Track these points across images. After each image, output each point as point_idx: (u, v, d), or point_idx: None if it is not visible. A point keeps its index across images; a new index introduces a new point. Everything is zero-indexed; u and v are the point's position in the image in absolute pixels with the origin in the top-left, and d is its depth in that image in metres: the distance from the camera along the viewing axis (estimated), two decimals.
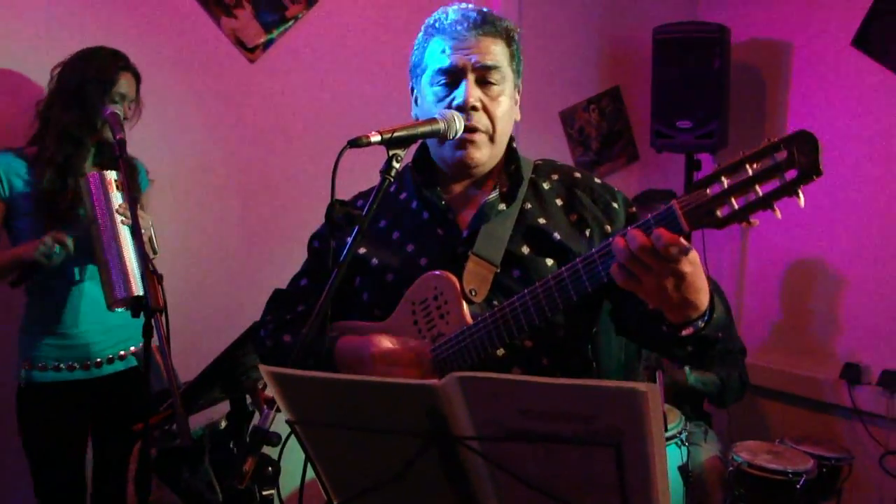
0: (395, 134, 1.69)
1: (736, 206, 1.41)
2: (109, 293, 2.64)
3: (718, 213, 1.42)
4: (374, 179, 1.72)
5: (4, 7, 3.15)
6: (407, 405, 1.34)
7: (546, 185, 1.92)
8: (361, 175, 1.98)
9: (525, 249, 1.83)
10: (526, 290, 1.66)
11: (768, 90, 4.31)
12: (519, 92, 1.94)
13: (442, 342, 1.78)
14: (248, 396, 2.72)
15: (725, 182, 1.41)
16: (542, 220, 1.85)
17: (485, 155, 1.85)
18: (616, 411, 1.22)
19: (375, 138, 1.67)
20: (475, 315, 1.75)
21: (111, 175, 2.64)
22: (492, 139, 1.84)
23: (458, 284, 1.77)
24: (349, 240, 1.68)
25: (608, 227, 1.86)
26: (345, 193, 1.86)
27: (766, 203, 1.39)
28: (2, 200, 2.85)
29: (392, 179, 1.69)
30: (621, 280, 1.50)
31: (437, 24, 1.89)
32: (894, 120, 3.77)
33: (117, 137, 2.36)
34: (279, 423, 1.53)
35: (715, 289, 1.83)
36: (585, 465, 1.29)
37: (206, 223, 3.55)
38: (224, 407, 2.85)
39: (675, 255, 1.44)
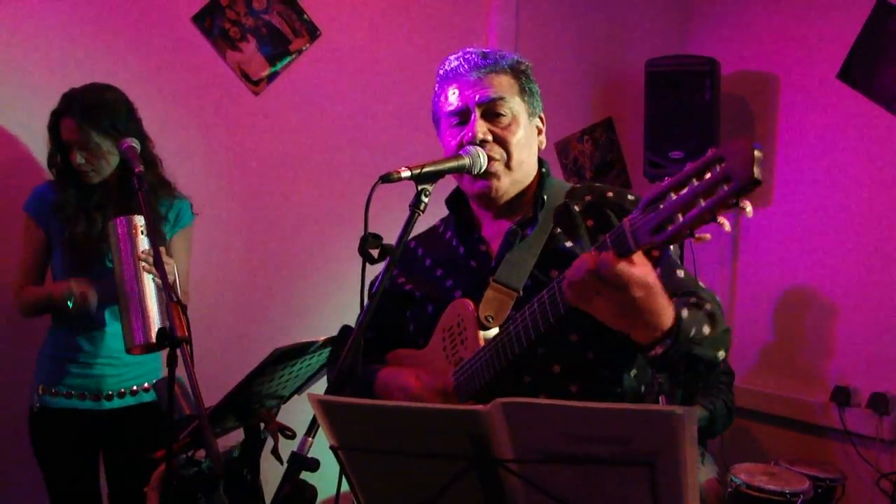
0: (425, 169, 1.77)
1: (681, 221, 1.38)
2: (129, 338, 2.66)
3: (669, 228, 1.40)
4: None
5: (22, 37, 3.22)
6: (450, 430, 1.39)
7: (577, 208, 1.94)
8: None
9: (554, 274, 1.85)
10: (525, 309, 1.70)
11: (757, 121, 4.42)
12: (542, 121, 2.02)
13: (460, 367, 1.86)
14: (262, 424, 2.75)
15: (673, 197, 1.39)
16: (568, 244, 1.89)
17: (504, 184, 1.92)
18: (653, 433, 1.28)
19: (405, 174, 1.74)
20: (488, 339, 1.82)
21: (139, 220, 2.66)
22: (508, 167, 1.91)
23: (471, 310, 1.85)
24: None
25: None
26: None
27: (709, 216, 1.35)
28: (43, 232, 2.94)
29: (421, 212, 1.77)
30: (572, 299, 1.55)
31: (444, 72, 1.99)
32: (879, 150, 3.88)
33: (136, 171, 2.36)
34: (315, 449, 1.59)
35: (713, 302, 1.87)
36: (620, 487, 1.34)
37: (210, 255, 3.58)
38: (236, 436, 2.89)
39: (615, 280, 1.47)
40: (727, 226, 1.35)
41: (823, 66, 4.08)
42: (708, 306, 1.76)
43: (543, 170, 2.02)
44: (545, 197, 1.96)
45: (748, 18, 4.47)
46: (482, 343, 1.82)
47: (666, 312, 1.57)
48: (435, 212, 2.02)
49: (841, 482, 3.52)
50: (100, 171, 2.90)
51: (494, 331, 1.83)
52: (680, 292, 1.80)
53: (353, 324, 2.18)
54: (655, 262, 1.80)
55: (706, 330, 1.68)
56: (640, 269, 1.50)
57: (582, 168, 4.48)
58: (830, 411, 3.96)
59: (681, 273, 1.88)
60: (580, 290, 1.52)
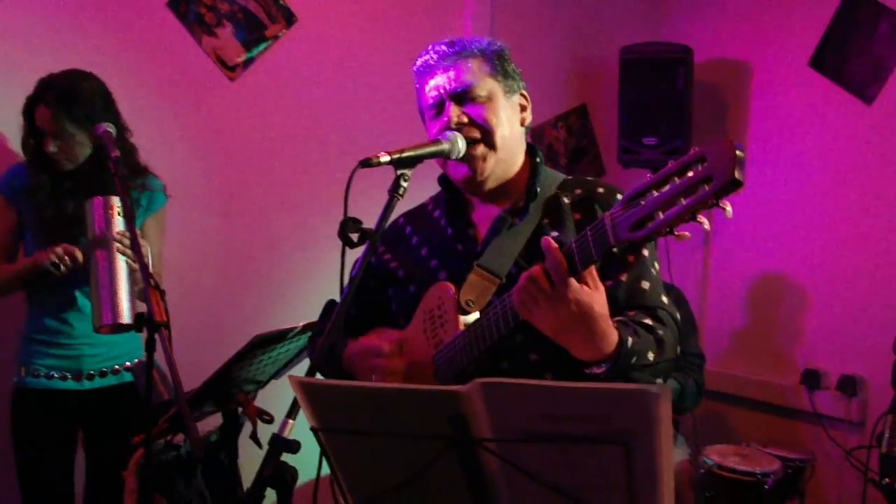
0: (404, 154, 1.78)
1: (661, 218, 1.40)
2: (97, 317, 2.66)
3: (649, 225, 1.42)
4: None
5: None
6: (430, 411, 1.41)
7: (567, 200, 1.97)
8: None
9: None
10: (504, 297, 1.72)
11: (730, 108, 4.45)
12: (526, 98, 2.05)
13: (440, 349, 1.88)
14: (240, 409, 2.77)
15: (654, 194, 1.41)
16: (554, 234, 1.89)
17: (490, 164, 1.93)
18: (629, 412, 1.30)
19: (385, 159, 1.76)
20: (467, 324, 1.84)
21: (116, 201, 2.66)
22: (491, 145, 1.92)
23: (453, 295, 1.87)
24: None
25: None
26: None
27: (689, 215, 1.38)
28: (15, 212, 2.94)
29: (400, 197, 1.78)
30: (517, 306, 1.62)
31: (416, 70, 2.02)
32: (849, 138, 3.93)
33: (112, 156, 2.36)
34: (295, 431, 1.60)
35: (677, 300, 1.92)
36: (597, 465, 1.37)
37: (188, 241, 3.57)
38: (214, 420, 2.90)
39: (551, 293, 1.55)
40: (706, 224, 1.38)
41: (795, 53, 4.12)
42: (660, 332, 1.79)
43: (538, 159, 2.03)
44: (538, 189, 1.97)
45: (721, 6, 4.50)
46: (461, 327, 1.84)
47: (607, 337, 1.63)
48: (415, 196, 2.05)
49: (811, 462, 3.59)
50: (72, 159, 2.90)
51: (474, 315, 1.85)
52: (640, 306, 1.85)
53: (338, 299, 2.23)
54: (626, 267, 1.85)
55: (650, 356, 1.74)
56: (586, 291, 1.57)
57: (556, 154, 4.50)
58: (800, 394, 4.02)
59: (646, 284, 1.89)
60: (521, 298, 1.59)
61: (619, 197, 1.93)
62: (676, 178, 1.37)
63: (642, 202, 1.43)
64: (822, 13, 4.00)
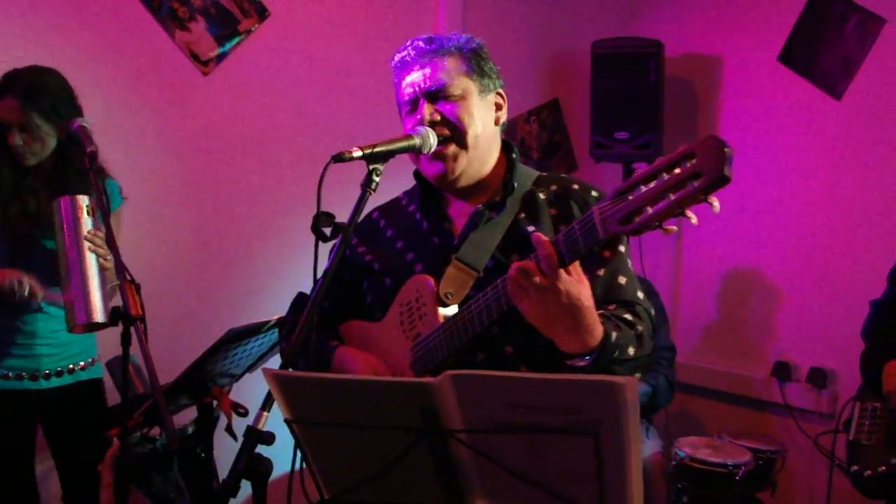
0: (376, 149, 1.79)
1: (650, 212, 1.44)
2: (71, 317, 2.59)
3: (637, 219, 1.46)
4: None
5: None
6: (402, 403, 1.44)
7: (542, 196, 1.99)
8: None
9: (514, 257, 1.87)
10: (488, 290, 1.74)
11: (701, 103, 4.49)
12: (502, 97, 2.05)
13: (418, 342, 1.90)
14: (214, 402, 2.78)
15: (643, 189, 1.45)
16: (530, 229, 1.92)
17: (461, 164, 1.94)
18: (597, 402, 1.33)
19: (357, 153, 1.77)
20: (446, 317, 1.85)
21: (83, 200, 2.62)
22: (463, 144, 1.93)
23: (432, 287, 1.88)
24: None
25: None
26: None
27: (677, 209, 1.41)
28: None
29: (372, 191, 1.79)
30: (513, 296, 1.64)
31: (394, 65, 2.03)
32: (819, 132, 3.97)
33: (87, 150, 2.34)
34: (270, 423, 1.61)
35: (647, 291, 1.95)
36: (567, 455, 1.39)
37: (160, 235, 3.57)
38: (189, 414, 2.91)
39: (541, 283, 1.57)
40: (694, 219, 1.41)
41: (765, 49, 4.15)
42: (640, 327, 1.82)
43: (514, 155, 2.05)
44: (515, 184, 1.99)
45: (692, 1, 4.53)
46: (441, 320, 1.85)
47: (593, 331, 1.66)
48: (389, 191, 2.06)
49: (781, 454, 3.62)
50: (37, 153, 2.86)
51: (453, 308, 1.87)
52: (617, 301, 1.88)
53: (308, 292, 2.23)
54: (602, 262, 1.87)
55: (631, 351, 1.77)
56: (575, 283, 1.59)
57: (528, 149, 4.53)
58: (771, 386, 4.07)
59: (623, 279, 1.92)
60: (512, 287, 1.61)
61: (594, 194, 1.99)
62: (665, 174, 1.41)
63: (630, 197, 1.46)
64: (792, 8, 4.04)
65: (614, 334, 1.71)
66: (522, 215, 1.96)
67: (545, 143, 4.60)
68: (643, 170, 1.46)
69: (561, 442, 1.39)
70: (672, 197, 1.40)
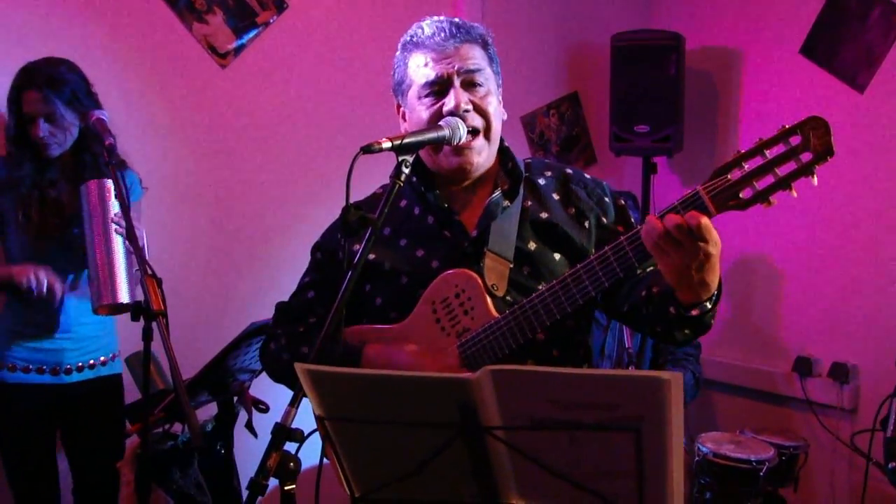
0: (405, 141, 1.74)
1: (758, 188, 1.56)
2: (96, 298, 2.64)
3: (742, 195, 1.58)
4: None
5: None
6: (438, 399, 1.40)
7: (542, 181, 1.99)
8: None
9: (532, 245, 1.91)
10: (555, 281, 1.75)
11: (721, 96, 4.44)
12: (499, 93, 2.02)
13: (469, 337, 1.85)
14: (235, 398, 2.76)
15: (746, 167, 1.56)
16: (544, 215, 1.93)
17: (483, 157, 1.92)
18: (640, 399, 1.30)
19: (386, 145, 1.72)
20: (499, 310, 1.82)
21: (110, 183, 2.63)
22: (488, 138, 1.91)
23: (480, 280, 1.85)
24: (357, 247, 1.75)
25: (604, 219, 1.96)
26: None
27: (784, 184, 1.55)
28: None
29: (402, 184, 1.73)
30: (652, 249, 1.63)
31: (414, 40, 1.95)
32: (840, 125, 3.90)
33: (106, 143, 2.34)
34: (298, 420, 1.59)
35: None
36: (606, 452, 1.36)
37: (178, 228, 3.55)
38: (208, 410, 2.89)
39: (705, 236, 1.57)
40: (795, 192, 1.56)
41: (787, 41, 4.10)
42: None
43: (506, 144, 2.03)
44: (522, 170, 1.98)
45: None
46: (494, 313, 1.83)
47: (717, 278, 1.69)
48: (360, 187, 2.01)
49: (804, 449, 3.60)
50: (61, 142, 2.88)
51: (496, 301, 1.85)
52: None
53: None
54: None
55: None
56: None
57: (548, 142, 4.50)
58: (792, 381, 4.03)
59: None
60: (663, 242, 1.60)
61: (588, 177, 2.03)
62: (767, 151, 1.54)
63: (731, 175, 1.58)
64: (814, 0, 3.98)
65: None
66: (530, 202, 1.95)
67: (564, 136, 4.57)
68: (744, 150, 1.57)
69: (601, 439, 1.36)
70: (779, 171, 1.54)
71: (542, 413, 1.36)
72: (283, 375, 2.05)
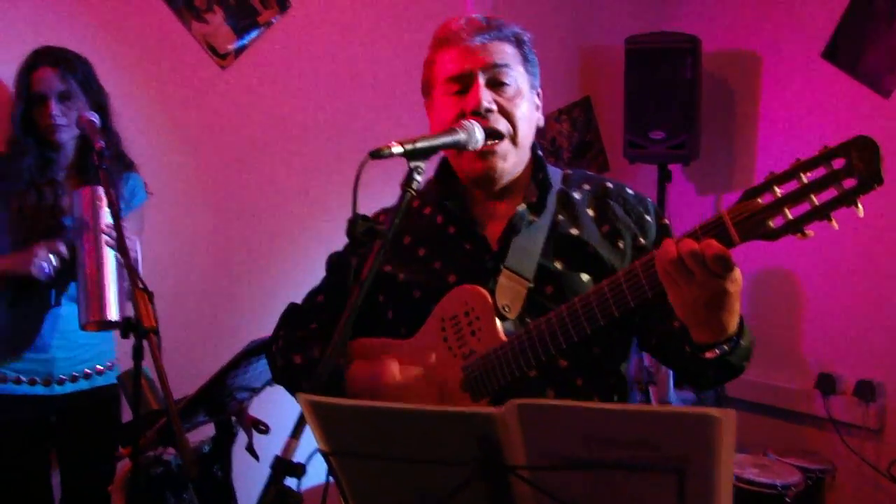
0: (417, 145, 1.60)
1: (790, 217, 1.36)
2: (83, 313, 2.57)
3: (771, 223, 1.38)
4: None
5: None
6: (457, 433, 1.28)
7: (577, 195, 1.86)
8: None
9: (559, 265, 1.77)
10: (563, 306, 1.60)
11: (739, 101, 4.35)
12: (539, 97, 1.89)
13: (473, 361, 1.71)
14: (233, 418, 2.63)
15: (778, 191, 1.36)
16: (574, 231, 1.79)
17: (509, 163, 1.79)
18: (685, 438, 1.16)
19: (397, 149, 1.58)
20: (508, 333, 1.68)
21: (103, 191, 2.54)
22: (514, 142, 1.78)
23: (490, 300, 1.71)
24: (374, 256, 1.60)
25: (641, 240, 1.81)
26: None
27: (822, 213, 1.35)
28: None
29: (414, 193, 1.60)
30: (665, 279, 1.46)
31: (441, 38, 1.84)
32: (864, 132, 3.79)
33: (96, 147, 2.28)
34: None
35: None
36: (643, 495, 1.22)
37: (175, 236, 3.45)
38: (206, 430, 2.77)
39: (720, 269, 1.40)
40: (836, 224, 1.34)
41: (808, 44, 4.00)
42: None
43: (540, 152, 1.90)
44: (552, 182, 1.85)
45: None
46: (502, 336, 1.69)
47: (736, 317, 1.53)
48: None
49: (831, 472, 3.50)
50: (70, 125, 2.76)
51: (508, 324, 1.71)
52: None
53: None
54: None
55: (746, 341, 1.64)
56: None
57: (560, 148, 4.40)
58: (815, 399, 3.91)
59: None
60: (674, 270, 1.42)
61: (630, 191, 1.87)
62: (804, 176, 1.34)
63: (762, 199, 1.38)
64: (836, 3, 3.88)
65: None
66: (561, 217, 1.81)
67: (576, 142, 4.47)
68: (778, 172, 1.37)
69: (638, 480, 1.21)
70: (815, 199, 1.32)
71: (572, 451, 1.22)
72: (280, 380, 1.98)
